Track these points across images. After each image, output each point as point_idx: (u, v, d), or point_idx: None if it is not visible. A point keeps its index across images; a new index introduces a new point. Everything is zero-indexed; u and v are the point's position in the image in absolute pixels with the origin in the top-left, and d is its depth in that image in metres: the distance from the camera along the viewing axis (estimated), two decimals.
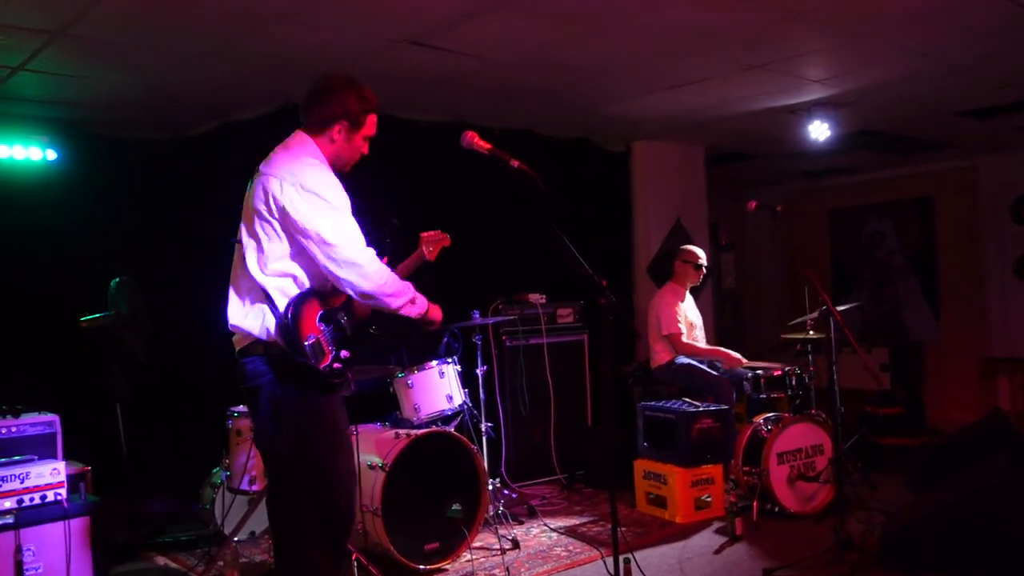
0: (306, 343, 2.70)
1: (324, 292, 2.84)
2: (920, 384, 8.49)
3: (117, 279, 4.71)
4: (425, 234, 3.43)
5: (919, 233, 9.15)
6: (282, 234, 2.74)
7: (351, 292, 2.78)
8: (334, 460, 2.86)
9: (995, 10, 4.23)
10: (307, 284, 2.79)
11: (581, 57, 4.81)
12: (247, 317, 2.79)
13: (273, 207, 2.72)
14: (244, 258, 2.79)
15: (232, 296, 2.84)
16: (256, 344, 2.78)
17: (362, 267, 2.74)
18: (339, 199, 2.81)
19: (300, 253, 2.76)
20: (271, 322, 2.74)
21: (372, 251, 2.83)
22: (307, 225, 2.69)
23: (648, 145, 7.33)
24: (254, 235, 2.77)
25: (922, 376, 8.59)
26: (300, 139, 2.90)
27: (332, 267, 2.72)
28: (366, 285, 2.76)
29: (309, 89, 2.92)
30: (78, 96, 5.09)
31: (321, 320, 2.79)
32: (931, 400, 8.38)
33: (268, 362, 2.76)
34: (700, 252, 6.00)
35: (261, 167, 2.82)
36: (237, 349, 2.86)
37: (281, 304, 2.73)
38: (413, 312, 2.93)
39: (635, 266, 7.40)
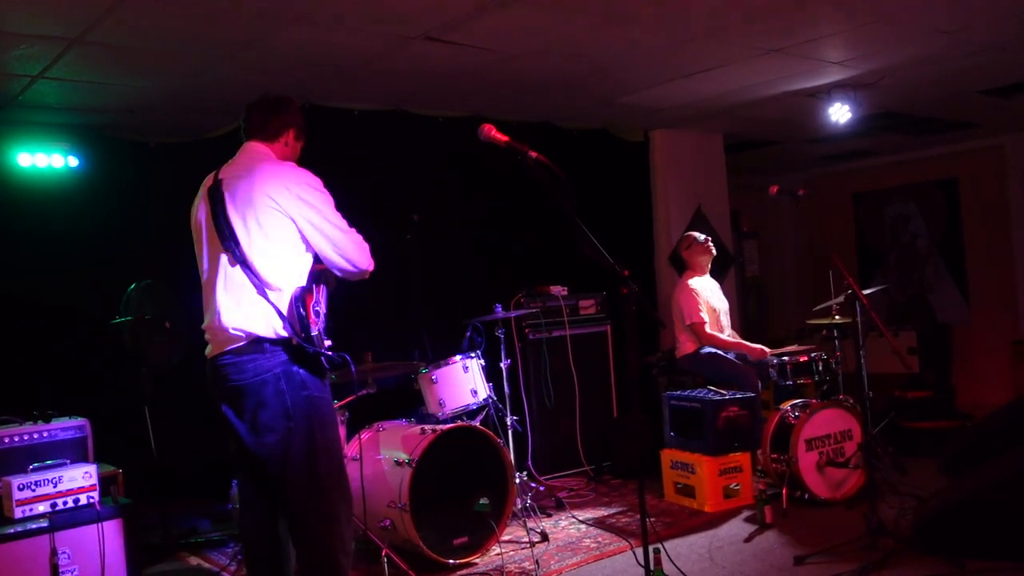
0: (313, 334, 2.90)
1: (310, 288, 3.01)
2: (949, 367, 8.38)
3: (135, 284, 4.74)
4: None
5: (944, 215, 9.03)
6: (271, 234, 2.88)
7: (343, 275, 3.06)
8: (340, 445, 3.13)
9: None
10: (299, 281, 2.95)
11: (597, 47, 4.78)
12: (247, 319, 2.88)
13: (272, 208, 2.87)
14: (236, 262, 2.89)
15: (221, 295, 2.92)
16: (256, 343, 2.88)
17: (358, 255, 3.02)
18: (327, 197, 3.03)
19: (291, 251, 2.93)
20: (276, 320, 2.86)
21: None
22: (317, 223, 2.93)
23: (667, 134, 7.29)
24: (246, 236, 2.89)
25: (951, 359, 8.48)
26: (260, 148, 3.12)
27: (338, 260, 2.98)
28: (362, 265, 3.04)
29: (257, 105, 3.16)
30: (98, 102, 5.13)
31: (314, 312, 2.97)
32: (961, 383, 8.28)
33: (274, 358, 2.87)
34: (692, 232, 6.05)
35: (230, 170, 3.02)
36: (225, 349, 2.92)
37: (279, 301, 2.89)
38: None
39: (656, 256, 7.36)
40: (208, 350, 3.01)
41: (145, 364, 4.72)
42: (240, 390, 2.90)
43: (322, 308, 3.04)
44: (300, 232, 2.92)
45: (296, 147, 3.24)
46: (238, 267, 2.88)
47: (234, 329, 2.88)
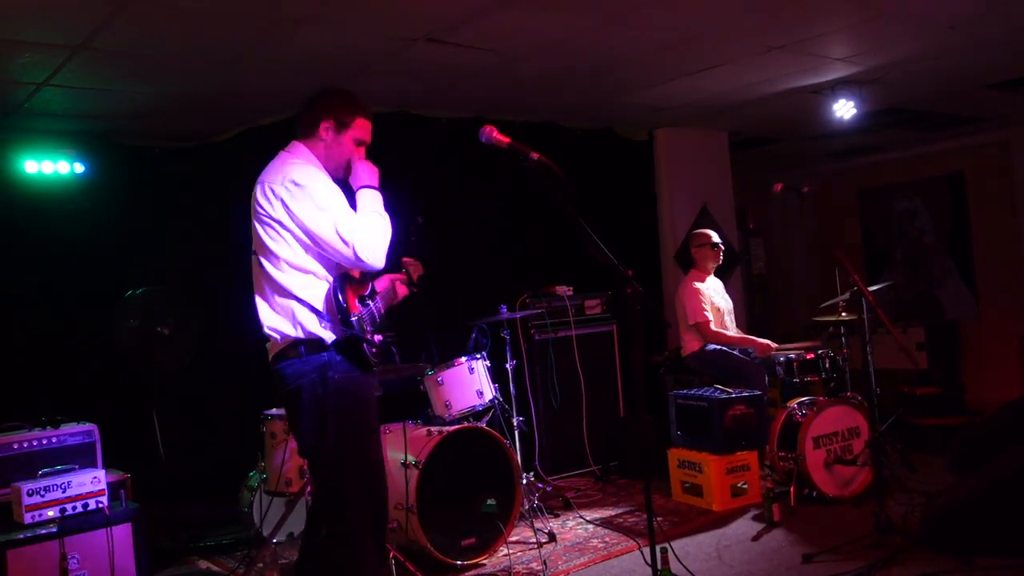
0: (353, 318, 2.84)
1: (352, 278, 2.98)
2: (958, 363, 8.35)
3: (130, 291, 4.73)
4: (406, 260, 3.45)
5: (951, 210, 8.99)
6: (287, 234, 2.85)
7: (348, 265, 2.92)
8: (376, 447, 3.01)
9: None
10: (329, 275, 2.91)
11: (599, 47, 4.78)
12: (279, 320, 2.89)
13: (273, 210, 2.84)
14: (262, 265, 2.90)
15: (260, 303, 2.94)
16: (292, 346, 2.87)
17: (366, 250, 2.87)
18: (326, 192, 2.90)
19: (309, 248, 2.88)
20: (305, 317, 2.85)
21: (361, 225, 2.90)
22: (307, 224, 2.83)
23: (671, 132, 7.28)
24: (263, 241, 2.89)
25: (960, 355, 8.45)
26: (292, 145, 3.05)
27: (339, 256, 2.86)
28: (373, 262, 2.90)
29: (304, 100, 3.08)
30: (103, 108, 5.15)
31: (359, 302, 2.95)
32: (970, 379, 8.24)
33: (308, 362, 2.84)
34: (711, 232, 5.96)
35: (260, 175, 2.96)
36: (272, 355, 2.94)
37: (310, 297, 2.86)
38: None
39: (663, 254, 7.35)
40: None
41: (151, 368, 4.72)
42: (287, 396, 2.90)
43: (372, 304, 3.03)
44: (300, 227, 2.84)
45: (340, 140, 3.03)
46: (264, 269, 2.89)
47: (270, 330, 2.91)
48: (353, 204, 2.99)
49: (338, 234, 2.82)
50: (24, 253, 5.35)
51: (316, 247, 2.87)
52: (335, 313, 2.86)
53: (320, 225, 2.82)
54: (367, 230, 2.89)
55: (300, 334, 2.85)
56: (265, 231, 2.88)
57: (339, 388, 2.84)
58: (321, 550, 2.86)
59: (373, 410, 3.01)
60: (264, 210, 2.86)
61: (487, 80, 5.27)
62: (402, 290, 3.33)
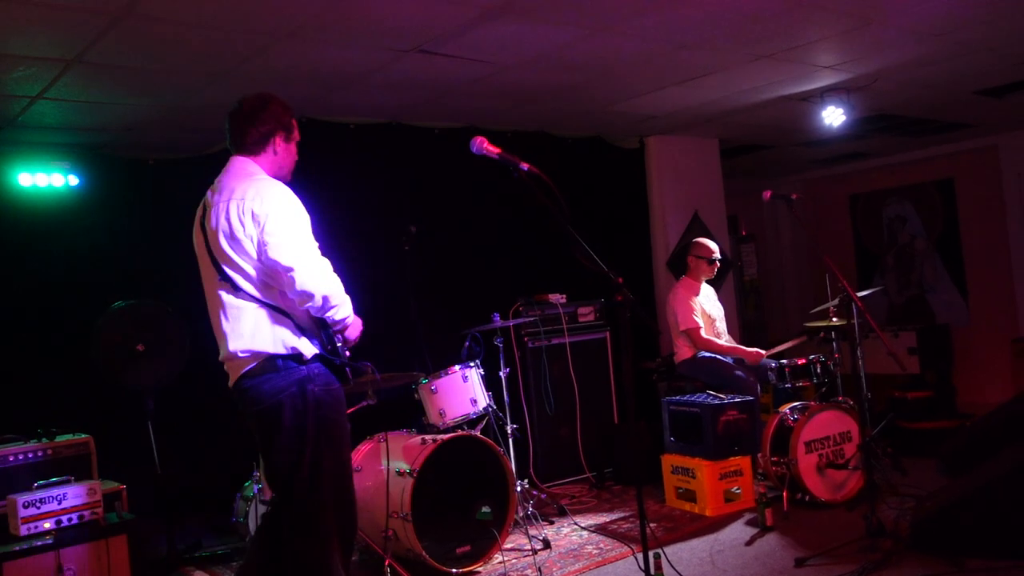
0: (338, 343, 2.90)
1: None
2: (950, 367, 8.39)
3: (112, 305, 4.65)
4: None
5: (941, 215, 9.06)
6: (252, 253, 2.83)
7: (296, 299, 2.86)
8: (350, 462, 3.05)
9: None
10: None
11: (590, 57, 4.82)
12: (255, 338, 2.85)
13: (246, 230, 2.80)
14: (232, 281, 2.86)
15: (225, 325, 2.88)
16: (269, 360, 2.85)
17: (310, 280, 2.82)
18: (300, 217, 2.88)
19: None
20: (285, 334, 2.85)
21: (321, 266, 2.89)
22: (274, 253, 2.78)
23: (662, 140, 7.33)
24: (232, 261, 2.84)
25: (952, 359, 8.49)
26: (242, 165, 2.98)
27: (284, 281, 2.81)
28: (314, 290, 2.83)
29: (234, 115, 3.01)
30: (97, 121, 5.18)
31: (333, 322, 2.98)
32: (962, 383, 8.29)
33: (288, 376, 2.84)
34: (713, 246, 5.95)
35: (212, 196, 2.92)
36: (242, 372, 2.89)
37: (288, 309, 2.88)
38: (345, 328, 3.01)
39: (655, 262, 7.40)
40: (230, 381, 2.98)
41: (144, 381, 4.66)
42: (261, 414, 2.87)
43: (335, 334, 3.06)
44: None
45: (288, 151, 3.05)
46: (234, 292, 2.86)
47: (243, 353, 2.86)
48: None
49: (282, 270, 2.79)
50: (19, 265, 5.36)
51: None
52: (312, 326, 2.88)
53: (274, 255, 2.80)
54: (321, 271, 2.86)
55: (280, 350, 2.84)
56: (235, 250, 2.84)
57: (320, 401, 2.86)
58: (292, 565, 2.87)
59: (346, 418, 3.03)
60: (236, 228, 2.82)
61: (478, 90, 5.31)
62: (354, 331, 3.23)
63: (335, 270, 3.38)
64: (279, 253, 2.78)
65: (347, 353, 3.03)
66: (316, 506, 2.86)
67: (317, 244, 2.93)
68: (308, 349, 2.89)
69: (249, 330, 2.86)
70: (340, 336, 2.99)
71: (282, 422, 2.83)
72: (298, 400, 2.82)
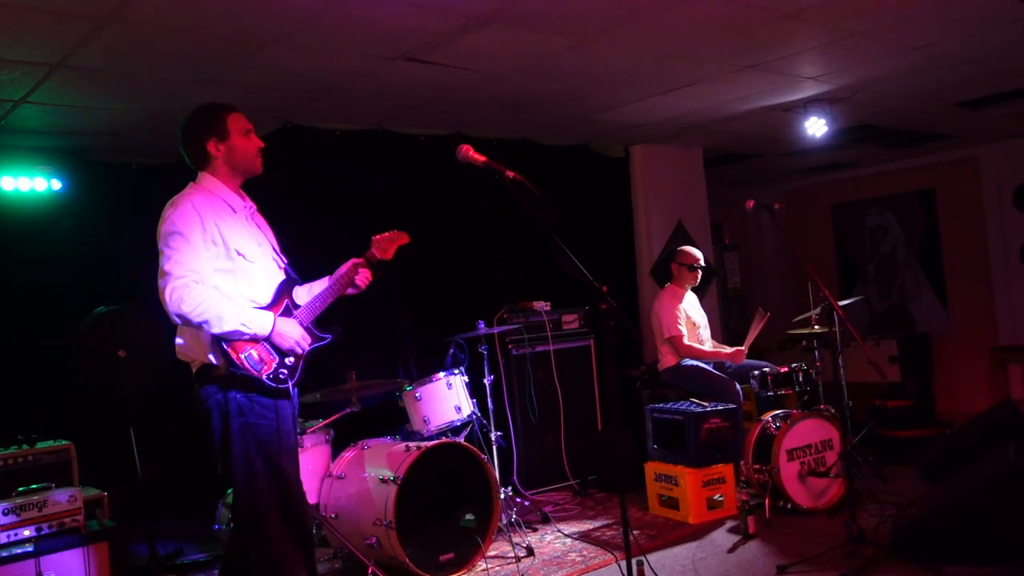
0: (242, 355, 2.90)
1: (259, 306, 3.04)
2: (930, 376, 8.48)
3: (94, 311, 4.62)
4: (377, 236, 3.41)
5: (923, 225, 9.15)
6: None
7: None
8: (290, 466, 3.03)
9: (990, 6, 4.26)
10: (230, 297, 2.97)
11: (575, 66, 4.84)
12: (186, 345, 3.01)
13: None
14: None
15: (179, 329, 3.03)
16: (202, 367, 2.98)
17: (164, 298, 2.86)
18: (177, 235, 2.92)
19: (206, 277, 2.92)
20: (205, 344, 2.94)
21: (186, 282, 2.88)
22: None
23: (646, 149, 7.37)
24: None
25: (932, 368, 8.58)
26: (201, 177, 3.14)
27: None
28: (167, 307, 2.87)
29: (177, 137, 3.14)
30: (80, 125, 5.15)
31: (283, 313, 3.05)
32: (942, 391, 8.38)
33: (213, 382, 2.94)
34: (697, 253, 6.00)
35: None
36: (193, 374, 3.05)
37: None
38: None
39: (639, 270, 7.43)
40: None
41: (126, 387, 4.63)
42: (203, 416, 3.00)
43: (308, 303, 3.16)
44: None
45: (231, 147, 3.10)
46: None
47: (181, 355, 3.04)
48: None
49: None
50: (1, 270, 5.32)
51: (219, 273, 2.97)
52: (215, 348, 2.93)
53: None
54: (202, 294, 2.86)
55: (208, 359, 2.94)
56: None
57: (242, 407, 2.92)
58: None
59: (282, 426, 3.01)
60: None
61: (464, 98, 5.32)
62: (364, 278, 3.31)
63: (320, 276, 3.40)
64: (158, 274, 2.90)
65: (290, 361, 3.03)
66: (254, 511, 2.93)
67: (234, 256, 2.98)
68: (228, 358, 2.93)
69: (186, 336, 3.01)
70: (266, 345, 2.99)
71: (212, 428, 2.96)
72: (222, 406, 2.92)
